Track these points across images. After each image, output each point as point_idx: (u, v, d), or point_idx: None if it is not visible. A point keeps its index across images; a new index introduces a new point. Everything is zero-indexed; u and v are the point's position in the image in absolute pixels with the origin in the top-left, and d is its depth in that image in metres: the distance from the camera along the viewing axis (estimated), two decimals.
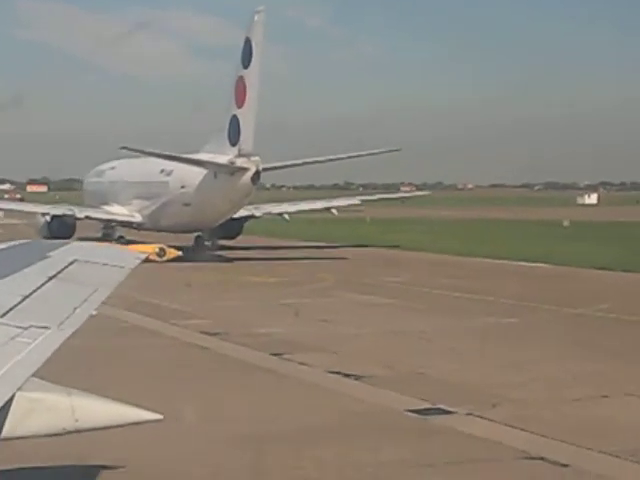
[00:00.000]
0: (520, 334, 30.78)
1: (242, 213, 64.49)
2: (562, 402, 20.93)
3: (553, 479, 15.58)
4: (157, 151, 60.43)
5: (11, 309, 8.47)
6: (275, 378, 23.63)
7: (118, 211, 67.67)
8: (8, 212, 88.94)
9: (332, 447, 17.39)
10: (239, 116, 57.63)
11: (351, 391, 22.23)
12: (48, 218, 65.16)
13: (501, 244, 70.24)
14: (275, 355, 26.52)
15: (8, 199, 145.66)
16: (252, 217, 67.30)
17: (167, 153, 60.58)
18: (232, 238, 67.80)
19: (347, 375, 23.75)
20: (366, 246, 71.40)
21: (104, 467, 15.79)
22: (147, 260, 16.83)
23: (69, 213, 65.31)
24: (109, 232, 66.66)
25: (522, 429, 18.51)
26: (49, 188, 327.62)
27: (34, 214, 70.67)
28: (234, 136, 57.61)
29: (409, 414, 19.86)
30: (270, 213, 70.74)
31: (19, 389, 6.70)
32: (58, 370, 22.46)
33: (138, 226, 66.85)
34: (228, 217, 61.82)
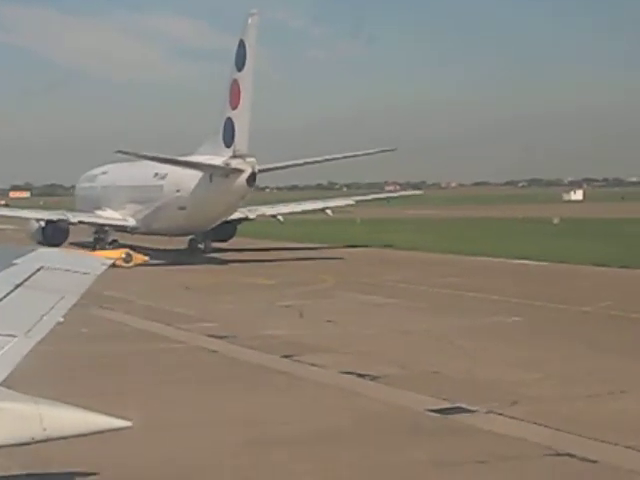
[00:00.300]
0: (527, 332, 30.84)
1: (236, 215, 64.44)
2: (581, 398, 21.02)
3: (585, 475, 15.59)
4: (152, 154, 60.20)
5: None
6: (290, 380, 23.59)
7: (111, 215, 67.55)
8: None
9: (359, 448, 17.42)
10: (233, 118, 57.56)
11: (368, 391, 22.24)
12: (42, 223, 65.00)
13: (495, 242, 70.43)
14: (286, 357, 26.50)
15: None
16: (246, 219, 67.23)
17: (162, 156, 60.43)
18: (225, 240, 67.76)
19: (361, 375, 23.76)
20: (360, 246, 71.41)
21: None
22: (114, 266, 16.95)
23: (63, 218, 65.12)
24: (101, 236, 66.43)
25: (545, 426, 18.57)
26: (32, 194, 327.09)
27: (23, 220, 70.60)
28: (229, 138, 57.53)
29: (430, 414, 19.87)
30: (264, 215, 70.62)
31: None
32: (79, 377, 22.46)
33: (132, 230, 66.72)
34: (223, 219, 61.79)
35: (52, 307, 10.66)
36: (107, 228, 65.85)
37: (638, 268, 49.30)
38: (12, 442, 7.56)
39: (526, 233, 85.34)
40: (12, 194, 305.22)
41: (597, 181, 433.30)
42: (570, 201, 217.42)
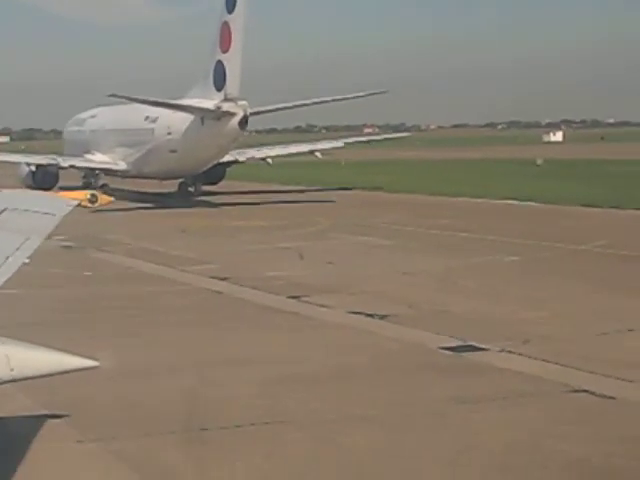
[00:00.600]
0: (527, 271, 31.20)
1: (226, 158, 64.38)
2: (591, 336, 21.36)
3: (606, 411, 15.93)
4: (144, 97, 59.95)
5: None
6: (300, 320, 23.85)
7: (102, 159, 67.37)
8: None
9: (378, 385, 17.71)
10: (224, 61, 57.30)
11: (379, 330, 22.51)
12: (33, 168, 64.83)
13: (482, 183, 70.65)
14: (293, 298, 26.72)
15: None
16: (236, 162, 67.22)
17: (155, 99, 60.18)
18: (215, 183, 67.83)
19: (370, 315, 24.05)
20: (349, 188, 71.52)
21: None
22: (80, 206, 16.95)
23: (53, 162, 64.95)
24: (90, 180, 66.31)
25: (558, 364, 18.88)
26: (11, 138, 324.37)
27: (7, 164, 70.38)
28: (219, 81, 57.32)
29: (443, 351, 20.19)
30: (254, 158, 70.60)
31: None
32: (95, 319, 22.63)
33: (122, 174, 66.67)
34: (215, 162, 61.80)
35: (17, 248, 10.64)
36: (97, 172, 65.66)
37: (627, 208, 49.64)
38: None
39: (511, 174, 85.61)
40: None
41: (575, 123, 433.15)
42: (550, 142, 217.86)
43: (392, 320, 23.51)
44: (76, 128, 76.74)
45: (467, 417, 15.56)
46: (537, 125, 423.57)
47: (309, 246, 38.12)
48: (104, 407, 16.41)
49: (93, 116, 74.62)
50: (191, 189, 65.86)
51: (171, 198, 65.06)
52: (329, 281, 29.66)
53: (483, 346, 20.43)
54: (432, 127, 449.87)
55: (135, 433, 14.90)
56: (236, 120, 56.44)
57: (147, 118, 62.77)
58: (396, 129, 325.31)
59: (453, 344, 20.70)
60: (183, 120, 59.00)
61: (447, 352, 20.15)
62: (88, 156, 68.37)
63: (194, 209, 58.37)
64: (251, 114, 57.60)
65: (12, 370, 7.73)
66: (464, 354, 19.95)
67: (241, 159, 67.48)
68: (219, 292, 28.28)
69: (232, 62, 57.15)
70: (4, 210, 11.98)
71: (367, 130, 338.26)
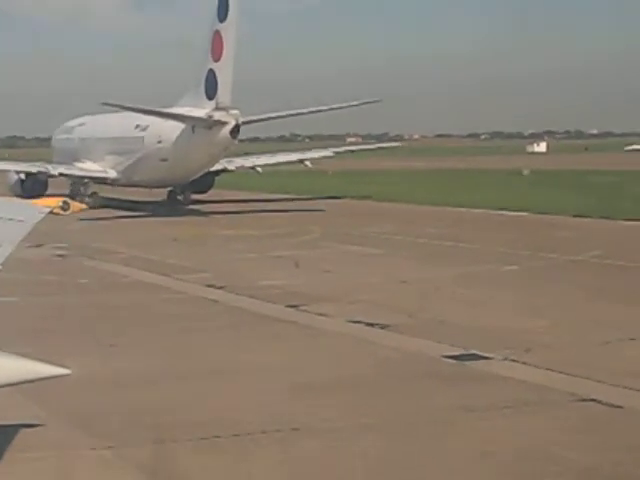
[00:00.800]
0: (525, 281, 31.28)
1: (215, 167, 64.38)
2: (593, 345, 21.42)
3: (613, 420, 15.98)
4: (137, 106, 59.95)
5: None
6: (300, 329, 23.84)
7: (91, 167, 67.24)
8: None
9: (386, 394, 17.75)
10: (216, 70, 57.35)
11: (380, 340, 22.51)
12: (23, 176, 64.76)
13: (470, 193, 70.79)
14: (291, 307, 26.70)
15: None
16: (225, 171, 67.22)
17: (147, 107, 60.16)
18: (204, 192, 67.83)
19: (370, 324, 24.04)
20: (338, 198, 71.62)
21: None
22: (52, 214, 16.98)
23: (43, 170, 64.89)
24: (78, 189, 66.19)
25: (562, 372, 18.93)
26: None
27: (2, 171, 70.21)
28: (211, 90, 57.36)
29: (447, 360, 20.23)
30: (243, 166, 70.65)
31: None
32: (95, 328, 22.56)
33: (112, 182, 66.61)
34: (205, 171, 61.83)
35: None
36: (87, 180, 65.54)
37: (617, 219, 49.86)
38: None
39: (499, 184, 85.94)
40: None
41: (558, 133, 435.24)
42: (534, 153, 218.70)
43: (393, 329, 23.53)
44: (65, 136, 76.58)
45: (476, 425, 15.60)
46: (520, 136, 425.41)
47: (303, 255, 38.11)
48: (120, 416, 16.37)
49: (82, 124, 74.52)
50: (180, 198, 65.87)
51: (160, 207, 65.01)
52: (326, 290, 29.67)
53: (486, 355, 20.48)
54: (415, 137, 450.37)
55: (149, 439, 14.86)
56: (228, 129, 56.47)
57: (137, 126, 62.74)
58: (379, 139, 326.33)
59: (456, 353, 20.74)
60: (174, 129, 59.00)
61: (450, 361, 20.18)
62: (78, 164, 68.22)
63: (184, 217, 58.34)
64: (243, 123, 57.66)
65: None
66: (467, 363, 19.99)
67: (230, 168, 67.51)
68: (215, 301, 28.21)
69: (224, 71, 57.19)
70: None
71: (350, 140, 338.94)
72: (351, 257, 38.28)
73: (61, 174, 65.64)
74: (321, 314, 25.59)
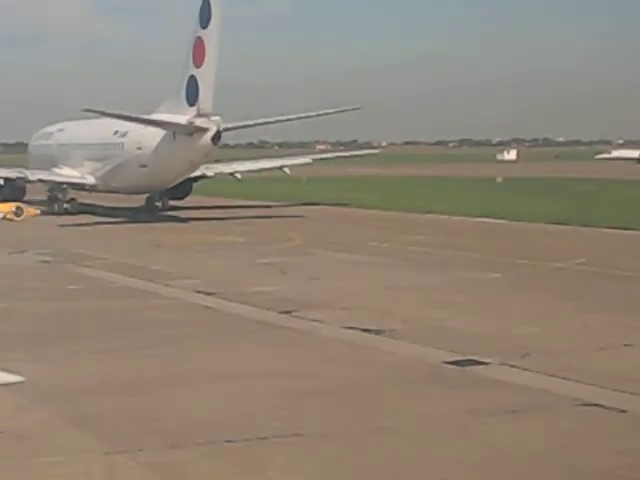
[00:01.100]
0: (511, 288, 31.56)
1: (194, 173, 64.33)
2: (589, 351, 21.69)
3: (619, 424, 16.20)
4: (118, 112, 59.84)
5: None
6: (297, 335, 23.93)
7: (70, 173, 66.99)
8: None
9: (390, 399, 17.90)
10: (197, 76, 57.38)
11: (378, 345, 22.68)
12: (1, 182, 64.48)
13: (448, 201, 71.12)
14: (284, 313, 26.77)
15: None
16: (203, 177, 67.16)
17: (128, 114, 60.03)
18: (181, 198, 67.80)
19: (366, 330, 24.17)
20: (316, 204, 71.79)
21: None
22: (5, 219, 17.04)
23: (21, 176, 64.68)
24: (55, 195, 65.94)
25: (562, 377, 19.17)
26: None
27: None
28: (192, 96, 57.39)
29: (447, 365, 20.42)
30: (222, 173, 70.68)
31: None
32: (89, 334, 22.68)
33: (90, 188, 66.45)
34: (185, 177, 61.83)
35: None
36: (65, 186, 65.29)
37: (597, 226, 50.32)
38: None
39: (474, 192, 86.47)
40: None
41: (526, 141, 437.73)
42: (504, 161, 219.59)
43: (389, 335, 23.69)
44: (43, 142, 76.21)
45: (485, 429, 15.77)
46: (488, 143, 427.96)
47: (289, 262, 38.26)
48: (125, 419, 16.44)
49: (61, 130, 74.23)
50: (158, 204, 65.76)
51: (139, 213, 64.91)
52: (317, 296, 29.79)
53: (484, 360, 20.69)
54: (384, 144, 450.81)
55: (162, 444, 14.94)
56: (209, 136, 56.46)
57: (116, 132, 62.65)
58: (348, 146, 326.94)
59: (454, 358, 20.93)
60: (154, 135, 58.93)
61: (450, 366, 20.37)
62: (56, 170, 67.98)
63: (164, 224, 58.29)
64: (225, 130, 57.74)
65: None
66: (467, 368, 20.19)
67: (209, 174, 67.47)
68: (208, 307, 28.24)
69: (205, 77, 57.22)
70: None
71: (320, 147, 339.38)
72: (337, 264, 38.41)
73: (40, 180, 65.40)
74: (315, 320, 25.68)
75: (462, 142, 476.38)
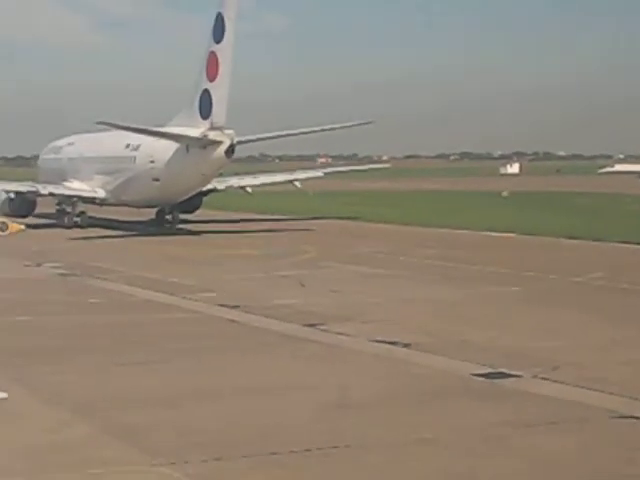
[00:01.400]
0: (532, 302, 31.59)
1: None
2: (618, 364, 21.76)
3: None
4: (133, 125, 60.15)
5: None
6: (325, 348, 24.00)
7: (80, 187, 67.19)
8: None
9: (426, 410, 18.04)
10: (211, 90, 57.74)
11: (407, 358, 22.76)
12: (12, 195, 64.69)
13: (456, 215, 71.34)
14: (309, 326, 26.86)
15: None
16: (214, 191, 67.31)
17: (143, 127, 60.31)
18: (191, 212, 67.92)
19: (393, 343, 24.27)
20: (325, 218, 71.99)
21: None
22: None
23: (32, 190, 64.91)
24: (64, 208, 66.13)
25: (595, 390, 19.27)
26: None
27: None
28: (206, 110, 57.71)
29: (477, 378, 20.52)
30: (232, 187, 70.88)
31: None
32: (117, 348, 22.85)
33: (101, 201, 66.64)
34: (197, 191, 62.02)
35: None
36: (75, 199, 65.49)
37: (612, 241, 50.41)
38: None
39: (482, 206, 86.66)
40: None
41: (527, 155, 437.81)
42: (507, 174, 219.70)
43: (416, 348, 23.77)
44: (53, 156, 76.41)
45: (526, 441, 15.85)
46: (489, 157, 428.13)
47: (306, 274, 38.37)
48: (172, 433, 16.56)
49: (71, 143, 74.42)
50: (169, 217, 65.90)
51: (149, 226, 65.10)
52: (338, 309, 29.87)
53: (514, 373, 20.78)
54: (384, 158, 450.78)
55: (206, 456, 15.04)
56: (222, 149, 56.80)
57: (128, 146, 62.90)
58: (348, 160, 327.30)
59: (484, 371, 21.03)
60: (166, 148, 59.20)
61: (479, 379, 20.47)
62: (66, 184, 68.18)
63: (176, 237, 58.51)
64: (238, 143, 58.03)
65: None
66: (497, 380, 20.29)
67: (220, 187, 67.63)
68: (233, 320, 28.27)
69: (219, 91, 57.58)
70: None
71: (321, 160, 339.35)
72: (354, 276, 38.55)
73: (51, 194, 65.58)
74: (340, 333, 25.78)
75: (463, 155, 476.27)
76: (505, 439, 16.05)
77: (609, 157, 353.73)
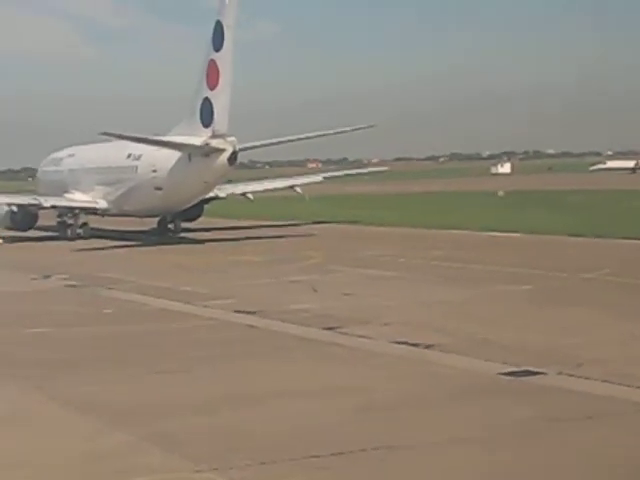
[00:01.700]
0: (544, 300, 31.71)
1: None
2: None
3: None
4: (134, 135, 60.37)
5: None
6: (348, 351, 24.06)
7: (82, 198, 67.34)
8: None
9: (458, 409, 18.12)
10: (212, 98, 57.97)
11: (431, 358, 22.85)
12: (14, 208, 64.75)
13: (456, 216, 71.50)
14: (328, 329, 26.94)
15: None
16: (216, 198, 67.46)
17: (144, 137, 60.53)
18: (193, 220, 68.10)
19: (415, 344, 24.35)
20: (326, 222, 72.14)
21: None
22: None
23: (35, 203, 65.00)
24: (66, 220, 66.20)
25: (624, 384, 19.38)
26: None
27: None
28: (207, 118, 57.93)
29: (503, 377, 20.66)
30: (234, 194, 71.06)
31: None
32: (141, 359, 22.91)
33: (103, 212, 66.78)
34: (200, 199, 62.20)
35: None
36: (77, 211, 65.61)
37: (614, 238, 50.66)
38: None
39: (480, 206, 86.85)
40: None
41: (517, 154, 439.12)
42: (498, 174, 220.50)
43: (438, 349, 23.86)
44: (53, 168, 76.47)
45: (566, 436, 15.93)
46: (478, 157, 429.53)
47: (316, 279, 38.44)
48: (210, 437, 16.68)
49: (71, 155, 74.49)
50: (171, 226, 66.07)
51: (152, 235, 65.24)
52: (354, 312, 29.95)
53: (539, 370, 20.93)
54: (374, 161, 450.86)
55: (249, 461, 15.15)
56: (225, 156, 57.01)
57: (130, 156, 63.06)
58: (339, 164, 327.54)
59: (508, 370, 21.15)
60: (168, 157, 59.39)
61: (507, 377, 20.59)
62: (68, 195, 68.30)
63: (180, 246, 58.61)
64: (241, 150, 58.25)
65: None
66: (524, 378, 20.41)
67: (221, 195, 67.77)
68: (252, 326, 28.33)
69: (220, 99, 57.80)
70: None
71: (311, 165, 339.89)
72: (365, 280, 38.66)
73: (53, 206, 65.66)
74: (361, 336, 25.87)
75: (452, 156, 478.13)
76: (542, 433, 16.18)
77: (598, 154, 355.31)
